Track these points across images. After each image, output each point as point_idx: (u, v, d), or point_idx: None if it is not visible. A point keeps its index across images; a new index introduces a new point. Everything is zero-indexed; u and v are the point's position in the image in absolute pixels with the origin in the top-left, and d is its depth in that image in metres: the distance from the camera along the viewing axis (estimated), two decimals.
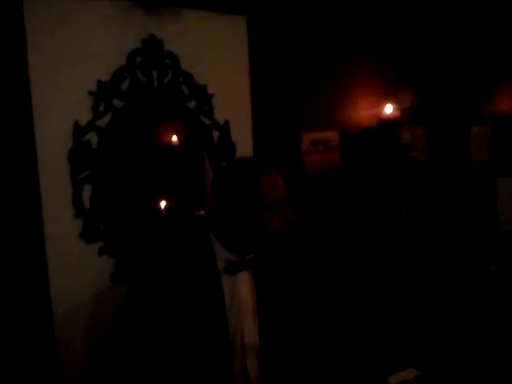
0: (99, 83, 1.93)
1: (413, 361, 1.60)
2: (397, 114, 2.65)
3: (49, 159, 1.86)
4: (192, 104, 2.14)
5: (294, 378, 1.54)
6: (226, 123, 2.23)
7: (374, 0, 2.68)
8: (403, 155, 2.80)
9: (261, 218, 1.41)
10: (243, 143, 2.26)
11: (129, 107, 1.99)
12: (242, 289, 1.50)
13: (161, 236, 1.57)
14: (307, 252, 1.74)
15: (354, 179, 2.66)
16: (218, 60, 2.20)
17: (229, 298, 1.48)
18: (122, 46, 1.98)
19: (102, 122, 1.95)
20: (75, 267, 1.94)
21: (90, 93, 1.91)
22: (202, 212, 2.03)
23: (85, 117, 1.92)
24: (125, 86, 1.99)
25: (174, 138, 2.08)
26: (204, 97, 2.16)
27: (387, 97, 2.69)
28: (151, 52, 2.02)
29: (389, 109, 2.63)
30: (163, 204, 2.07)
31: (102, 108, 1.94)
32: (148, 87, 2.03)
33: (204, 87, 2.16)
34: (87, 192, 1.94)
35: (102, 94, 1.93)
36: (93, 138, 1.93)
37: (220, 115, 2.21)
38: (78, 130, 1.89)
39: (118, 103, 1.98)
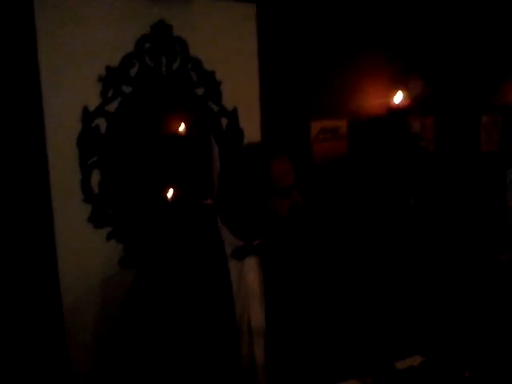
0: (108, 68, 1.93)
1: (419, 348, 1.60)
2: (406, 102, 2.63)
3: (58, 144, 1.86)
4: (200, 90, 2.14)
5: (300, 361, 1.54)
6: (235, 110, 2.22)
7: None
8: (413, 145, 2.78)
9: (270, 202, 1.42)
10: (251, 130, 2.25)
11: (137, 93, 1.99)
12: (248, 274, 1.51)
13: (168, 222, 1.57)
14: (314, 237, 1.74)
15: (362, 168, 2.65)
16: (227, 47, 2.19)
17: (236, 283, 1.48)
18: (131, 32, 1.97)
19: (111, 108, 1.95)
20: (84, 252, 1.95)
21: (99, 78, 1.91)
22: (209, 201, 2.03)
23: (94, 102, 1.92)
24: (133, 71, 1.99)
25: (182, 127, 2.08)
26: (212, 83, 2.15)
27: (397, 85, 2.66)
28: (160, 37, 2.02)
29: (399, 97, 2.60)
30: (170, 192, 2.08)
31: (110, 93, 1.94)
32: (156, 73, 2.03)
33: (212, 73, 2.15)
34: (96, 177, 1.95)
35: (111, 79, 1.93)
36: (101, 123, 1.94)
37: (228, 102, 2.20)
38: (87, 115, 1.90)
39: (126, 89, 1.98)
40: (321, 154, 2.46)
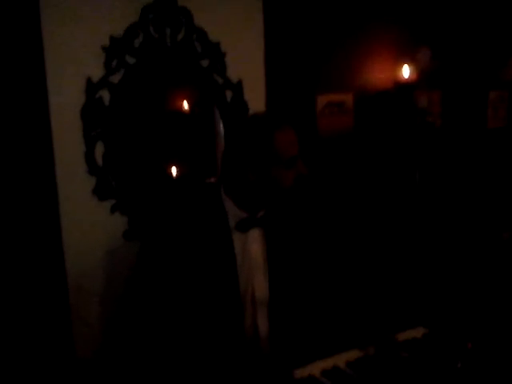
0: (112, 38, 1.90)
1: (422, 320, 1.61)
2: (414, 76, 2.59)
3: (61, 115, 1.86)
4: (205, 62, 2.11)
5: (303, 331, 1.56)
6: (239, 82, 2.19)
7: None
8: (419, 120, 2.75)
9: (274, 173, 1.41)
10: (256, 103, 2.22)
11: (141, 64, 1.97)
12: (252, 246, 1.52)
13: (172, 198, 1.57)
14: (318, 209, 1.74)
15: (368, 143, 2.63)
16: (232, 18, 2.15)
17: (240, 254, 1.49)
18: (136, 1, 1.94)
19: (115, 79, 1.93)
20: (88, 224, 1.96)
21: (103, 48, 1.89)
22: (212, 180, 2.03)
23: (97, 73, 1.90)
24: (137, 42, 1.96)
25: (186, 104, 2.06)
26: (217, 55, 2.12)
27: (404, 59, 2.62)
28: (164, 7, 1.99)
29: (406, 70, 2.57)
30: (174, 169, 2.07)
31: (114, 64, 1.92)
32: (161, 44, 2.00)
33: (217, 45, 2.12)
34: (100, 149, 1.95)
35: (115, 49, 1.91)
36: (105, 94, 1.92)
37: (233, 74, 2.18)
38: (91, 87, 1.88)
39: (130, 60, 1.96)
40: (326, 128, 2.44)
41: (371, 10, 2.56)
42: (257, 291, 1.52)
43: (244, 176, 1.44)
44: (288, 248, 1.55)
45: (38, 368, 1.90)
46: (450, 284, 2.47)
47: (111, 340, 1.99)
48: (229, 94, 2.19)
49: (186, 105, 2.07)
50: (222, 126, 2.17)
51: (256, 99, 2.23)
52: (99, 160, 1.95)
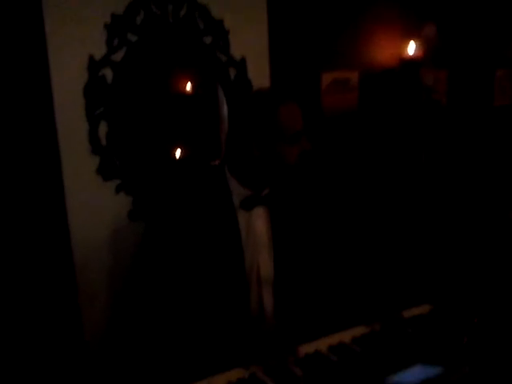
0: (113, 16, 1.88)
1: (428, 297, 1.61)
2: (419, 53, 2.55)
3: (64, 94, 1.84)
4: (208, 39, 2.08)
5: (308, 308, 1.56)
6: (243, 60, 2.16)
7: None
8: (425, 98, 2.72)
9: (279, 149, 1.41)
10: (260, 81, 2.20)
11: (143, 41, 1.94)
12: (257, 224, 1.52)
13: (176, 177, 1.57)
14: (322, 187, 1.73)
15: (373, 120, 2.60)
16: None
17: (244, 232, 1.50)
18: None
19: (117, 57, 1.91)
20: (93, 205, 1.95)
21: (105, 26, 1.87)
22: (216, 162, 2.03)
23: (100, 51, 1.88)
24: (139, 19, 1.93)
25: (189, 86, 2.04)
26: (220, 32, 2.09)
27: (410, 35, 2.58)
28: None
29: (412, 47, 2.53)
30: (178, 150, 2.06)
31: (116, 42, 1.90)
32: (163, 21, 1.97)
33: (220, 22, 2.08)
34: (103, 129, 1.93)
35: (116, 27, 1.88)
36: (108, 73, 1.90)
37: (236, 52, 2.15)
38: (93, 65, 1.86)
39: (132, 37, 1.93)
40: (331, 106, 2.41)
41: None
42: (262, 269, 1.53)
43: (248, 152, 1.43)
44: (293, 226, 1.55)
45: (47, 349, 1.91)
46: (457, 262, 2.47)
47: (119, 318, 2.00)
48: (232, 72, 2.16)
49: (189, 86, 2.05)
50: (226, 108, 2.14)
51: (260, 77, 2.20)
52: (103, 140, 1.93)
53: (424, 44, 2.56)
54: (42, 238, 1.88)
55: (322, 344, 1.37)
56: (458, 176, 2.95)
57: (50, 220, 1.89)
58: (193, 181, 1.52)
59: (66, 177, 1.89)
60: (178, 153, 2.08)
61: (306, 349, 1.35)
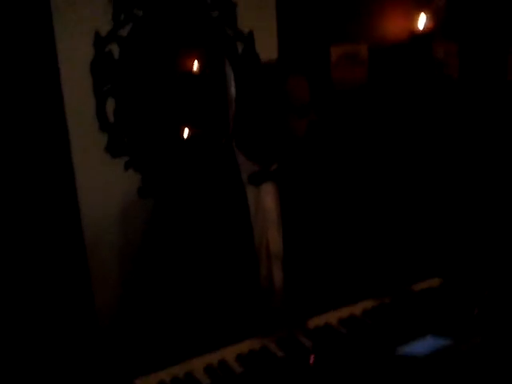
0: None
1: (438, 271, 1.60)
2: (430, 25, 2.50)
3: (71, 70, 1.83)
4: (215, 14, 2.05)
5: (317, 282, 1.56)
6: (251, 34, 2.13)
7: None
8: (436, 72, 2.67)
9: (287, 120, 1.40)
10: (268, 55, 2.16)
11: (149, 16, 1.92)
12: (266, 199, 1.51)
13: (185, 154, 1.57)
14: (331, 161, 1.72)
15: (383, 94, 2.57)
16: None
17: (253, 208, 1.50)
18: None
19: (123, 32, 1.89)
20: (102, 181, 1.96)
21: (111, 0, 1.84)
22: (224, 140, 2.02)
23: (106, 27, 1.86)
24: None
25: (196, 64, 2.01)
26: (228, 6, 2.06)
27: (420, 8, 2.53)
28: None
29: (422, 20, 2.48)
30: (186, 127, 2.05)
31: (122, 17, 1.88)
32: None
33: None
34: (111, 105, 1.92)
35: (123, 2, 1.86)
36: (114, 48, 1.89)
37: (244, 26, 2.11)
38: (99, 40, 1.85)
39: (138, 12, 1.91)
40: (340, 80, 2.38)
41: None
42: (271, 244, 1.53)
43: (257, 126, 1.42)
44: (301, 201, 1.54)
45: (60, 329, 1.93)
46: (466, 236, 2.45)
47: (129, 295, 2.02)
48: (240, 46, 2.13)
49: (196, 62, 2.03)
50: (233, 83, 2.12)
51: (268, 51, 2.17)
52: (111, 116, 1.93)
53: (434, 15, 2.51)
54: (53, 217, 1.89)
55: (332, 317, 1.37)
56: (470, 151, 2.91)
57: (60, 198, 1.89)
58: (201, 157, 1.53)
59: (75, 155, 1.89)
60: (186, 130, 2.07)
61: (316, 322, 1.36)
